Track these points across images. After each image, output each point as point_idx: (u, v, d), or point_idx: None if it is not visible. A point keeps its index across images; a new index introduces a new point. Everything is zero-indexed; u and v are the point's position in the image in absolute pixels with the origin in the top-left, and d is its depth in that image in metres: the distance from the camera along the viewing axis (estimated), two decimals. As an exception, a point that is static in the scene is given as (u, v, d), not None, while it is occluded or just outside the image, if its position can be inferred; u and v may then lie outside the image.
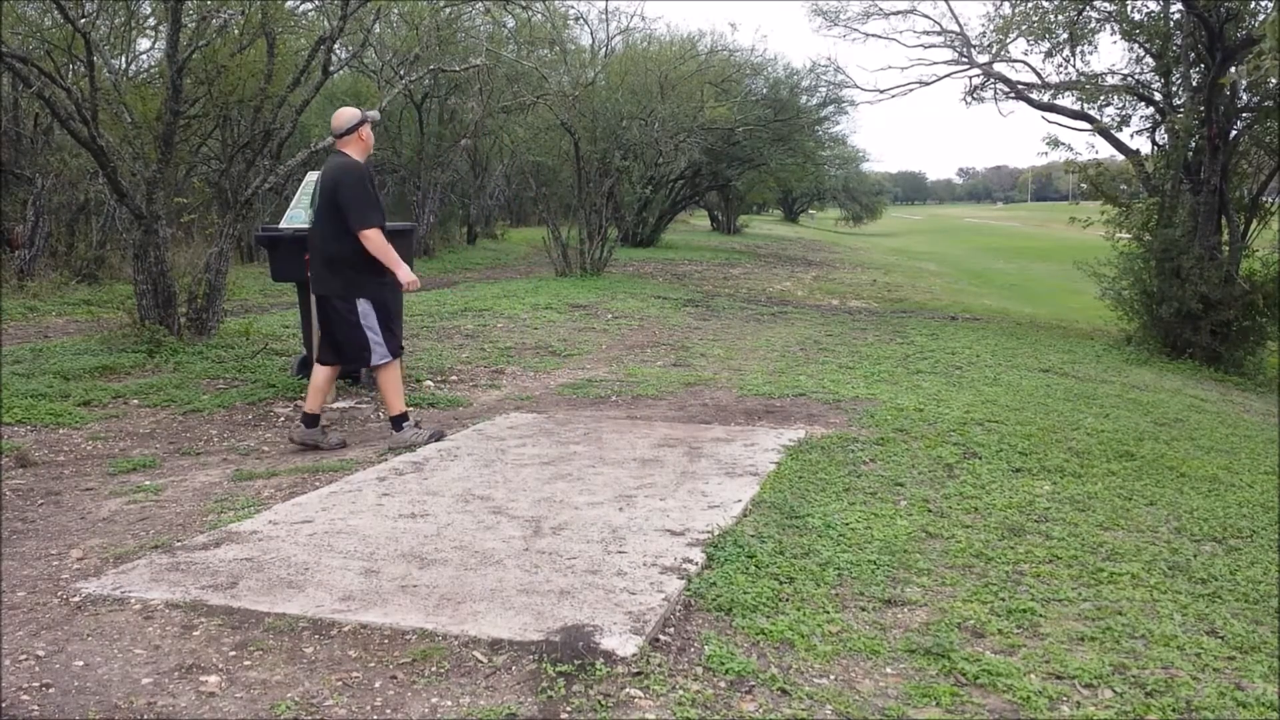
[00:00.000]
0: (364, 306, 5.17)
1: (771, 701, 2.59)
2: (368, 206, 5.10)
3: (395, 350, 5.31)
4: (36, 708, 2.50)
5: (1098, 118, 12.92)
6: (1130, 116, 12.87)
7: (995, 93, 14.46)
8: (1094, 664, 2.83)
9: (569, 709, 2.51)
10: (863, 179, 55.68)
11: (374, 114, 5.45)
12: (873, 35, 16.26)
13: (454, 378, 7.46)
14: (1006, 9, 13.71)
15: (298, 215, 6.53)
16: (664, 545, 3.62)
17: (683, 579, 3.30)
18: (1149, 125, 12.66)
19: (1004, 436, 5.50)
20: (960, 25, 15.03)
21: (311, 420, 5.34)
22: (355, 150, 5.25)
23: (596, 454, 5.00)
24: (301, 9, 12.54)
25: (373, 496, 4.27)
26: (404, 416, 5.34)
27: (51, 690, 2.59)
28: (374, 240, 5.08)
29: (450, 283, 14.84)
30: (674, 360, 8.40)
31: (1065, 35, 12.95)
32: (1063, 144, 13.84)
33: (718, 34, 51.56)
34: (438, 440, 5.28)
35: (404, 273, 5.18)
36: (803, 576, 3.39)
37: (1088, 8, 12.66)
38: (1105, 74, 13.23)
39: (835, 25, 16.51)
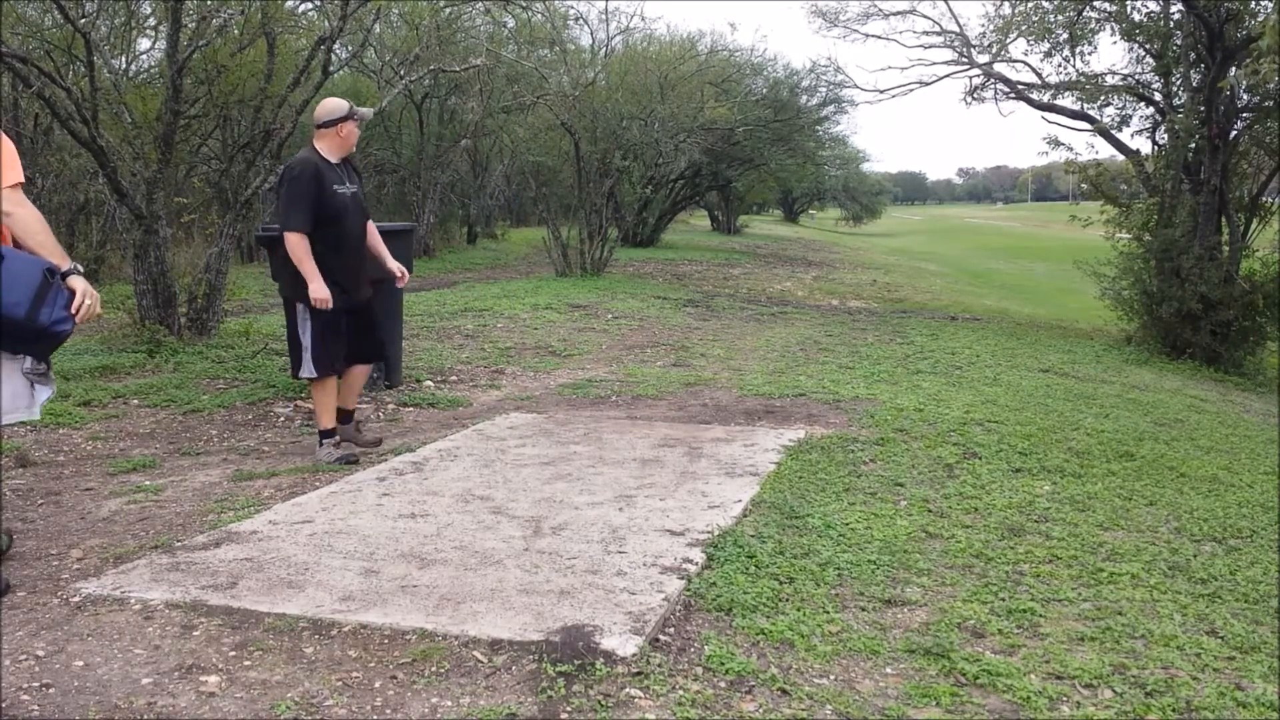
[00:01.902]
0: (302, 310, 4.95)
1: (771, 701, 2.59)
2: (292, 208, 4.80)
3: (324, 368, 4.98)
4: (36, 708, 2.50)
5: (1098, 118, 12.92)
6: (1130, 117, 12.89)
7: (995, 93, 14.47)
8: (1094, 664, 2.83)
9: (569, 709, 2.51)
10: (863, 179, 55.64)
11: (366, 111, 5.11)
12: (872, 36, 16.26)
13: (454, 378, 7.46)
14: (1006, 9, 13.73)
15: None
16: (664, 545, 3.62)
17: (683, 579, 3.30)
18: (1149, 125, 12.67)
19: (1004, 436, 5.50)
20: (960, 25, 15.05)
21: (345, 416, 5.28)
22: (327, 145, 4.96)
23: (596, 454, 5.00)
24: (301, 9, 12.55)
25: (373, 496, 4.28)
26: (329, 434, 5.08)
27: (51, 690, 2.59)
28: (290, 244, 4.79)
29: (450, 283, 14.84)
30: (674, 360, 8.40)
31: (1065, 35, 12.96)
32: (1063, 144, 13.85)
33: (717, 34, 51.56)
34: (349, 463, 4.91)
35: (315, 287, 4.80)
36: (803, 576, 3.39)
37: (1087, 8, 12.66)
38: (1105, 74, 13.24)
39: (835, 26, 16.50)
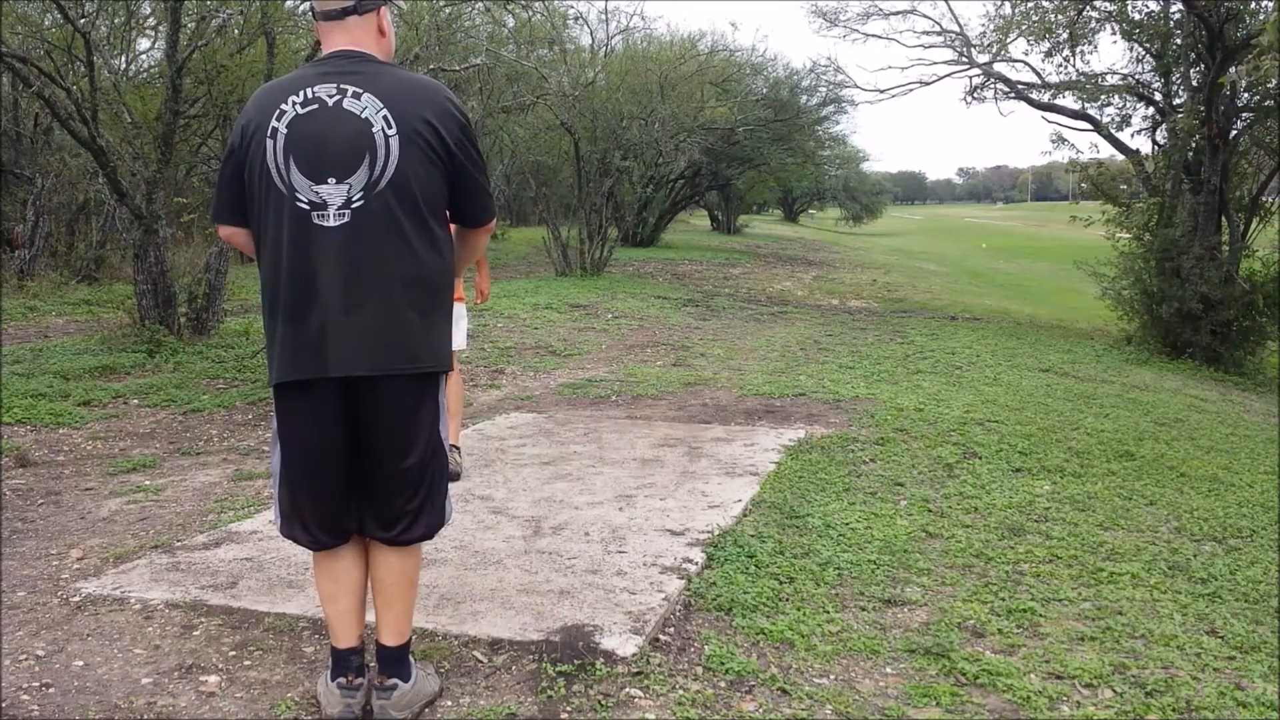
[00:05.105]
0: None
1: (771, 701, 2.59)
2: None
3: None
4: (36, 708, 2.50)
5: (1098, 118, 12.93)
6: (1130, 116, 12.91)
7: (995, 93, 14.49)
8: (1094, 664, 2.83)
9: (569, 709, 2.51)
10: (863, 179, 55.53)
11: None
12: (873, 35, 16.28)
13: (454, 378, 7.45)
14: (1007, 9, 13.74)
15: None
16: (664, 545, 3.62)
17: (683, 579, 3.30)
18: (1149, 125, 12.68)
19: (1004, 436, 5.49)
20: (960, 25, 15.07)
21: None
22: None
23: (596, 454, 5.00)
24: (301, 9, 12.53)
25: (373, 496, 4.27)
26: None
27: (51, 690, 2.59)
28: None
29: (450, 283, 14.81)
30: (674, 360, 8.40)
31: (1065, 35, 12.96)
32: (1067, 142, 13.87)
33: (718, 34, 51.57)
34: None
35: None
36: (803, 576, 3.38)
37: (1088, 8, 12.66)
38: (1105, 74, 13.25)
39: (835, 26, 16.53)
